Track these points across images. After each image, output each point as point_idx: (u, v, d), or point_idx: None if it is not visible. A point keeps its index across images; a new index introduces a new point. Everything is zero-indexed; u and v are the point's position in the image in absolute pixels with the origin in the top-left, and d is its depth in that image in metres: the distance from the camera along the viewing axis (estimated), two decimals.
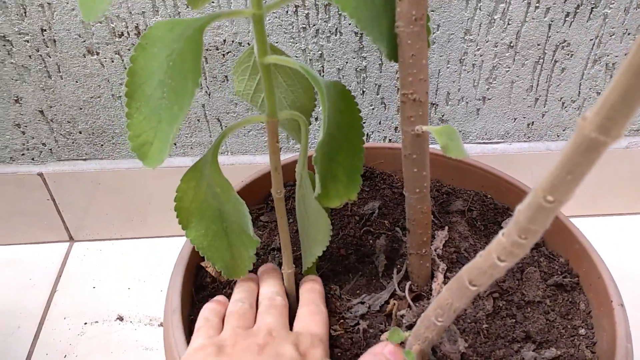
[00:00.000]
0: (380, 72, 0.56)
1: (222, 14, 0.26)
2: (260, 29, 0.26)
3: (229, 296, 0.34)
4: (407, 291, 0.34)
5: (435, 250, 0.39)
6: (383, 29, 0.25)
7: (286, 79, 0.32)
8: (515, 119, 0.61)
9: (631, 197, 0.67)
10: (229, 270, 0.33)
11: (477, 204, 0.44)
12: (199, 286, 0.37)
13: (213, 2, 0.50)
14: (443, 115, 0.60)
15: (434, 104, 0.59)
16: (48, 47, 0.52)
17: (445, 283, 0.36)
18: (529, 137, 0.63)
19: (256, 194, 0.44)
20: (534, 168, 0.63)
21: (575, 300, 0.36)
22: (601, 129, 0.14)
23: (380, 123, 0.60)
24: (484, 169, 0.44)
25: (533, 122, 0.61)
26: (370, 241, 0.41)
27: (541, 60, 0.56)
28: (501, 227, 0.43)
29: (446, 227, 0.41)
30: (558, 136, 0.63)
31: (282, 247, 0.33)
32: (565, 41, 0.55)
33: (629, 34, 0.55)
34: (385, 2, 0.25)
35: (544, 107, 0.60)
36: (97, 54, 0.52)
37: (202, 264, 0.37)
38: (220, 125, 0.59)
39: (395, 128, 0.61)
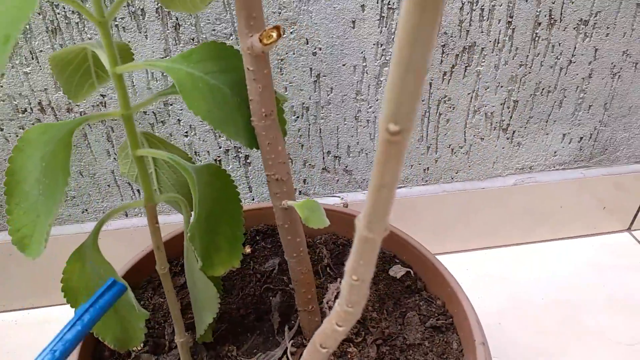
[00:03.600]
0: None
1: (91, 116, 0.28)
2: (130, 127, 0.29)
3: None
4: (290, 346, 0.37)
5: (327, 303, 0.42)
6: (239, 125, 0.29)
7: (168, 162, 0.35)
8: (412, 166, 0.66)
9: (525, 228, 0.73)
10: (122, 342, 0.35)
11: None
12: (98, 359, 0.38)
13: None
14: (347, 166, 0.65)
15: (337, 157, 0.64)
16: None
17: None
18: (426, 181, 0.68)
19: None
20: (430, 210, 0.68)
21: (449, 340, 0.40)
22: (368, 228, 0.18)
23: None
24: None
25: (428, 168, 0.67)
26: (271, 298, 0.44)
27: (427, 114, 0.62)
28: (389, 275, 0.47)
29: (338, 280, 0.44)
30: (452, 178, 0.69)
31: (173, 318, 0.35)
32: (446, 96, 0.61)
33: (501, 86, 0.62)
34: (239, 102, 0.29)
35: (436, 153, 0.66)
36: (1, 130, 0.53)
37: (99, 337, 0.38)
38: (131, 188, 0.61)
39: (304, 180, 0.65)
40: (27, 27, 0.49)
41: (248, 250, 0.48)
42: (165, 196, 0.32)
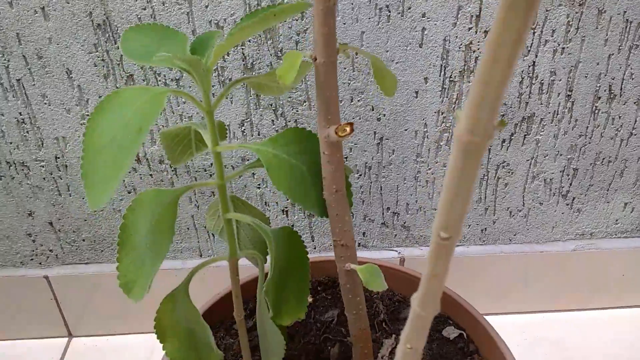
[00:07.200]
0: None
1: (193, 185, 0.34)
2: (223, 194, 0.34)
3: None
4: None
5: (382, 358, 0.45)
6: (313, 197, 0.33)
7: (249, 221, 0.40)
8: (469, 225, 0.69)
9: (585, 294, 0.73)
10: None
11: None
12: None
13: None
14: (405, 222, 0.68)
15: (395, 213, 0.67)
16: (60, 170, 0.61)
17: None
18: (483, 241, 0.70)
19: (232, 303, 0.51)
20: (488, 270, 0.70)
21: None
22: (421, 307, 0.22)
23: None
24: None
25: (486, 228, 0.69)
26: (329, 348, 0.48)
27: (486, 177, 0.65)
28: (442, 335, 0.49)
29: (393, 336, 0.47)
30: (510, 240, 0.70)
31: (244, 359, 0.39)
32: (504, 162, 0.64)
33: (560, 155, 0.64)
34: (314, 179, 0.33)
35: (494, 215, 0.68)
36: None
37: None
38: (207, 232, 0.67)
39: (364, 233, 0.68)
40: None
41: (310, 300, 0.52)
42: (245, 252, 0.37)
